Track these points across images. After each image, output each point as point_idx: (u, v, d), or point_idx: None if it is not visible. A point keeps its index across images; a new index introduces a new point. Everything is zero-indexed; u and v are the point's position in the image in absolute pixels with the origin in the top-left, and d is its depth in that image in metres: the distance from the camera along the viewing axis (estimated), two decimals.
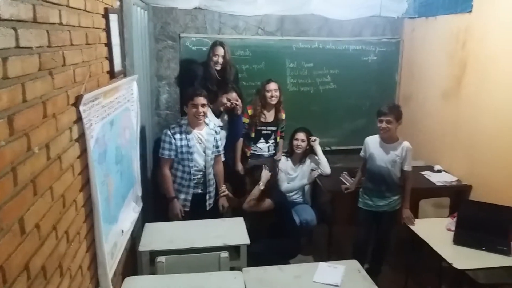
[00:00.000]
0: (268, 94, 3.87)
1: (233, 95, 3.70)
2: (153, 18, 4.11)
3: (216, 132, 3.36)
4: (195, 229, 2.92)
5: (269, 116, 3.99)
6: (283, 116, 4.07)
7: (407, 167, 3.22)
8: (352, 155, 4.74)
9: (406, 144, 3.22)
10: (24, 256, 1.20)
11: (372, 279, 2.39)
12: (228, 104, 3.69)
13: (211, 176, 3.36)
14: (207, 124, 3.31)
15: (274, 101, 3.90)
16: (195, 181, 3.29)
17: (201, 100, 3.16)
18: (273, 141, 4.03)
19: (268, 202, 3.33)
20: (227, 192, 3.46)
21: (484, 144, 3.41)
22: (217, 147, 3.39)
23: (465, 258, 2.62)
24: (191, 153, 3.20)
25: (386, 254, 3.49)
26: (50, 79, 1.43)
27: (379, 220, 3.37)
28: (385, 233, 3.42)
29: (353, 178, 3.71)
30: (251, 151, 4.01)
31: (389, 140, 3.23)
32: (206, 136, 3.28)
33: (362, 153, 3.45)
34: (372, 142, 3.32)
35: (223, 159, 3.76)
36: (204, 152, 3.28)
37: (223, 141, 3.73)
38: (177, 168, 3.26)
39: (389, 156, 3.21)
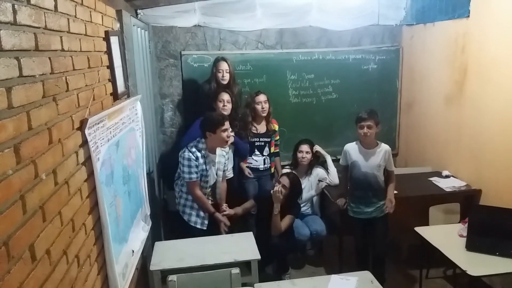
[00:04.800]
0: (258, 107, 3.88)
1: (224, 95, 3.68)
2: (154, 37, 4.15)
3: (225, 153, 3.40)
4: (204, 246, 2.90)
5: (261, 127, 3.98)
6: (276, 127, 4.06)
7: (391, 168, 3.29)
8: None
9: (386, 147, 3.28)
10: (35, 283, 1.20)
11: None
12: (223, 104, 3.66)
13: (218, 196, 3.42)
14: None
15: (265, 113, 3.90)
16: (210, 202, 3.34)
17: (228, 124, 3.21)
18: (267, 153, 4.02)
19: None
20: (228, 211, 3.41)
21: (490, 148, 3.39)
22: (227, 168, 3.45)
23: (479, 264, 2.58)
24: (207, 176, 3.25)
25: (384, 261, 3.42)
26: (54, 105, 1.44)
27: (371, 227, 3.35)
28: (379, 239, 3.36)
29: None
30: (247, 164, 3.99)
31: (369, 145, 3.25)
32: (218, 159, 3.32)
33: (342, 162, 3.43)
34: (353, 150, 3.32)
35: (231, 175, 3.78)
36: (216, 174, 3.33)
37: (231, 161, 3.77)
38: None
39: (372, 161, 3.23)
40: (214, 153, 3.29)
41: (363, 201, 3.29)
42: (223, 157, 3.37)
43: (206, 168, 3.21)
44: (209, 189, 3.36)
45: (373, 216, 3.29)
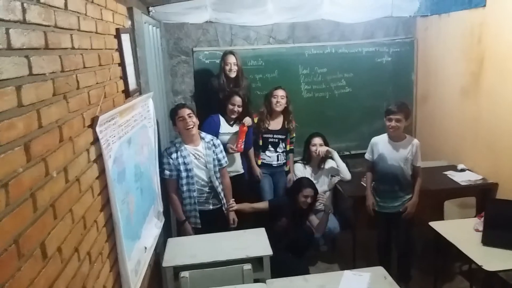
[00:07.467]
0: (274, 100, 3.84)
1: (237, 99, 3.66)
2: (165, 34, 4.16)
3: (214, 145, 3.29)
4: (217, 242, 2.91)
5: (276, 124, 3.93)
6: (294, 125, 3.99)
7: (417, 163, 3.21)
8: None
9: (415, 140, 3.23)
10: (47, 280, 1.21)
11: (404, 286, 2.33)
12: (234, 108, 3.65)
13: (220, 190, 3.31)
14: (202, 139, 3.25)
15: (279, 107, 3.84)
16: (204, 197, 3.24)
17: (186, 111, 3.11)
18: (282, 150, 3.97)
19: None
20: (235, 207, 3.38)
21: (507, 140, 3.32)
22: (219, 160, 3.29)
23: (495, 259, 2.53)
24: (189, 170, 3.14)
25: (411, 258, 3.39)
26: (65, 103, 1.45)
27: (395, 222, 3.30)
28: (404, 235, 3.32)
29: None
30: (261, 160, 3.97)
31: (397, 138, 3.21)
32: (204, 151, 3.20)
33: (368, 155, 3.38)
34: (382, 142, 3.28)
35: (242, 171, 3.76)
36: (206, 166, 3.21)
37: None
38: (181, 189, 3.19)
39: (400, 154, 3.18)
40: (195, 144, 3.19)
41: (389, 195, 3.26)
42: (210, 149, 3.23)
43: (184, 162, 3.11)
44: (210, 191, 3.25)
45: (398, 210, 3.25)
